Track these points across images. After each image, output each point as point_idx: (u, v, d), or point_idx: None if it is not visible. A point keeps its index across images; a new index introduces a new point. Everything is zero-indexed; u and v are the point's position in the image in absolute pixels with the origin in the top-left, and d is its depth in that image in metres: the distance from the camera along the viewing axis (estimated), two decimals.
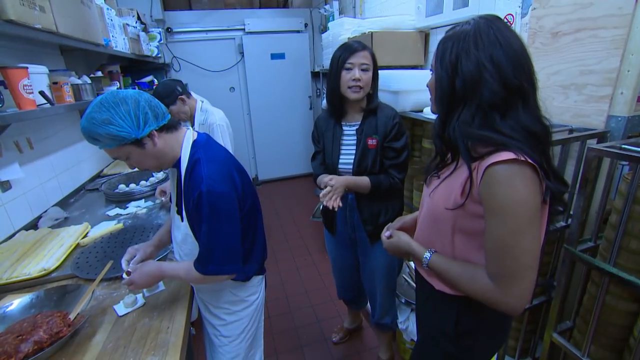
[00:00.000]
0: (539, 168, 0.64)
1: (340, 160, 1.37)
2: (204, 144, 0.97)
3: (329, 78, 1.32)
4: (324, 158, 1.43)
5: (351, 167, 1.34)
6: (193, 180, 0.90)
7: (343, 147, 1.37)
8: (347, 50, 1.27)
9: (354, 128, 1.35)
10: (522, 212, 0.63)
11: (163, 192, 1.72)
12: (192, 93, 2.03)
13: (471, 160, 0.69)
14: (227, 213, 0.90)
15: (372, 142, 1.31)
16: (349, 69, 1.26)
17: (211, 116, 1.93)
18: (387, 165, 1.33)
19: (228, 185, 0.91)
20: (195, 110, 1.95)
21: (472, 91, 0.68)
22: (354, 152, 1.34)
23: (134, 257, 1.06)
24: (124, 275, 0.98)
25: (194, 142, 0.96)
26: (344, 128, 1.38)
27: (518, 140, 0.65)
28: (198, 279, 0.95)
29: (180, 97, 1.87)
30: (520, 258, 0.65)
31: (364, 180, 1.31)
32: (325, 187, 1.25)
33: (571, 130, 1.22)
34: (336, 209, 1.22)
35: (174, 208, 1.04)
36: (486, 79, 0.66)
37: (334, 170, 1.38)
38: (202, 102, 2.00)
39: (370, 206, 1.38)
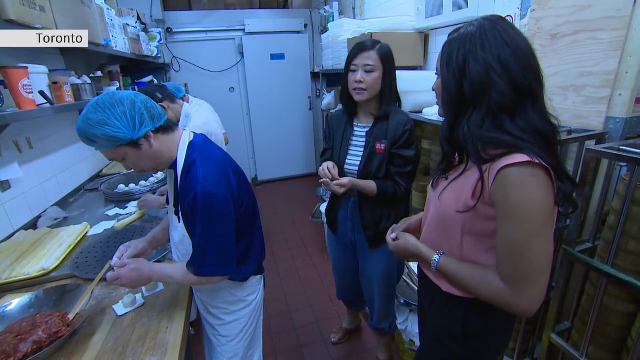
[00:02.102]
0: (551, 170, 0.64)
1: (347, 160, 1.36)
2: (200, 145, 0.97)
3: (343, 77, 1.33)
4: (332, 155, 1.42)
5: (355, 169, 1.33)
6: (189, 181, 0.90)
7: (351, 148, 1.36)
8: (354, 50, 1.25)
9: (365, 130, 1.34)
10: (536, 215, 0.63)
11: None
12: (189, 97, 1.96)
13: (482, 162, 0.68)
14: (222, 215, 0.90)
15: (380, 146, 1.28)
16: (353, 71, 1.25)
17: (190, 123, 1.81)
18: (393, 171, 1.30)
19: (224, 187, 0.91)
20: (181, 116, 1.86)
21: (481, 94, 0.67)
22: (361, 153, 1.33)
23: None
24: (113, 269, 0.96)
25: (190, 143, 0.96)
26: (355, 128, 1.37)
27: (529, 142, 0.65)
28: (191, 280, 0.95)
29: (160, 104, 1.71)
30: (534, 261, 0.65)
31: (371, 184, 1.29)
32: (330, 178, 1.28)
33: (570, 132, 1.22)
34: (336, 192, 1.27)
35: (171, 209, 1.04)
36: (495, 81, 0.65)
37: (340, 169, 1.37)
38: (191, 104, 1.90)
39: (373, 211, 1.36)
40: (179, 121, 1.87)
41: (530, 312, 0.68)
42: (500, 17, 0.70)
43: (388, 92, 1.29)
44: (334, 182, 1.27)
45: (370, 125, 1.33)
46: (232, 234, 0.94)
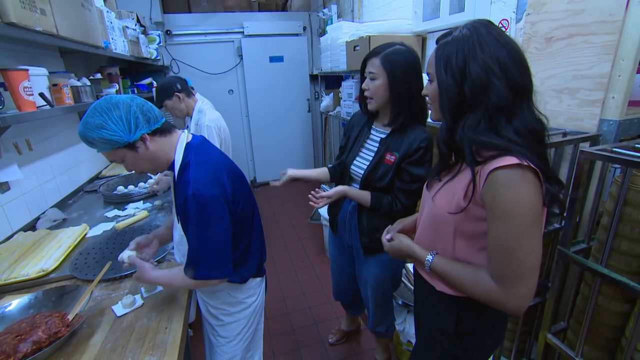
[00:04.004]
0: (540, 172, 0.65)
1: (355, 162, 1.34)
2: (197, 147, 0.97)
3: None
4: (344, 152, 1.41)
5: (360, 172, 1.31)
6: (182, 183, 0.91)
7: (363, 150, 1.34)
8: (365, 55, 1.23)
9: (380, 137, 1.29)
10: (525, 216, 0.65)
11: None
12: (197, 94, 2.08)
13: (475, 164, 0.70)
14: (215, 217, 0.90)
15: (389, 157, 1.23)
16: (365, 78, 1.24)
17: (203, 117, 1.96)
18: (397, 186, 1.24)
19: (216, 189, 0.90)
20: (193, 110, 2.00)
21: (481, 95, 0.68)
22: (370, 158, 1.30)
23: (144, 246, 1.10)
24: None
25: (187, 144, 0.97)
26: (372, 132, 1.33)
27: (521, 145, 0.66)
28: (189, 284, 0.95)
29: (177, 93, 1.92)
30: (523, 260, 0.67)
31: (365, 195, 1.28)
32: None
33: (565, 134, 1.24)
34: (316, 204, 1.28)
35: (173, 209, 1.05)
36: (494, 83, 0.66)
37: (346, 167, 1.37)
38: (203, 102, 2.04)
39: (371, 218, 1.33)
40: (190, 116, 2.00)
41: (520, 311, 0.70)
42: (490, 21, 0.72)
43: (396, 103, 1.19)
44: (319, 195, 1.30)
45: (387, 133, 1.28)
46: (226, 236, 0.94)
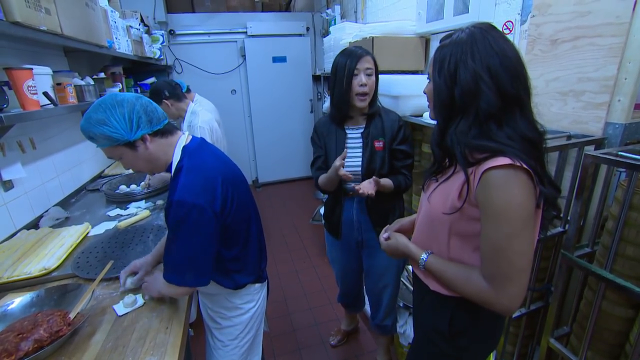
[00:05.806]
0: (533, 173, 0.65)
1: (347, 163, 1.36)
2: (193, 151, 0.97)
3: (334, 85, 1.31)
4: (327, 162, 1.42)
5: (358, 169, 1.35)
6: (171, 188, 0.91)
7: (348, 150, 1.37)
8: (351, 56, 1.27)
9: (359, 132, 1.37)
10: (516, 216, 0.65)
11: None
12: (196, 95, 2.13)
13: (468, 165, 0.70)
14: (195, 225, 0.88)
15: (378, 144, 1.34)
16: (356, 75, 1.27)
17: (196, 119, 1.99)
18: (398, 166, 1.38)
19: (202, 197, 0.88)
20: (186, 113, 2.05)
21: (470, 101, 0.69)
22: (359, 154, 1.36)
23: (135, 273, 1.10)
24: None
25: (184, 147, 0.97)
26: (348, 132, 1.39)
27: (514, 147, 0.66)
28: (165, 289, 0.95)
29: (165, 100, 1.97)
30: (514, 260, 0.67)
31: (388, 181, 1.34)
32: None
33: (569, 137, 1.23)
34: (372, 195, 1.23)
35: None
36: (483, 90, 0.67)
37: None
38: (198, 104, 2.09)
39: (379, 208, 1.41)
40: (183, 118, 2.07)
41: (511, 311, 0.70)
42: (491, 26, 0.72)
43: (377, 93, 1.37)
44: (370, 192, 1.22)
45: (363, 126, 1.36)
46: (207, 243, 0.91)
